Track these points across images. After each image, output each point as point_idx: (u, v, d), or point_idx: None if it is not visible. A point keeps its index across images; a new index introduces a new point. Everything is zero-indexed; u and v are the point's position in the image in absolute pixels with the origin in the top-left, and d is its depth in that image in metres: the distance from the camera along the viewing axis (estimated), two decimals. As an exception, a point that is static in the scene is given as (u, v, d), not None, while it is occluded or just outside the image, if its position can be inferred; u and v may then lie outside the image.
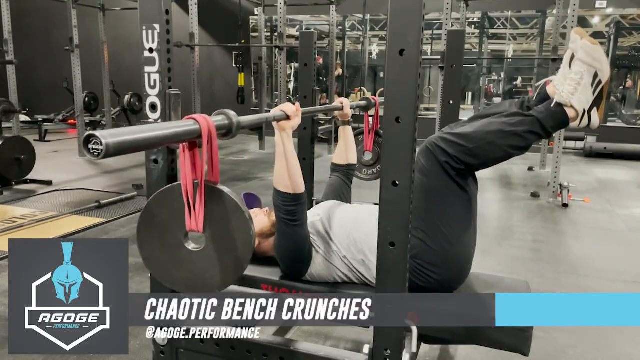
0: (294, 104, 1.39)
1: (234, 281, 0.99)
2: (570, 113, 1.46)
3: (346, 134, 1.99)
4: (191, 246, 0.98)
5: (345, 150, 1.98)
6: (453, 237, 1.46)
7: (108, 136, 0.68)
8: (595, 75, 1.46)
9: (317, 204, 1.91)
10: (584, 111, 1.46)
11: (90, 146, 0.68)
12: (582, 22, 8.65)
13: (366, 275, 1.53)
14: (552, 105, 1.47)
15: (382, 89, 1.09)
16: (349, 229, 1.58)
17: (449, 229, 1.45)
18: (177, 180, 1.20)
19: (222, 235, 0.96)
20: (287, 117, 1.33)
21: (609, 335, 2.26)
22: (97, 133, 0.67)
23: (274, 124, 1.35)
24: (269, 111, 1.38)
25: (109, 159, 0.69)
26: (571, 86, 1.46)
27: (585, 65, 1.46)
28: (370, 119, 2.10)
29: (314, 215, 1.65)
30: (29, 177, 4.93)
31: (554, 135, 1.53)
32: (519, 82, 10.51)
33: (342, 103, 1.90)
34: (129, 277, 2.92)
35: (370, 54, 9.90)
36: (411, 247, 1.42)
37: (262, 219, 1.67)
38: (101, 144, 0.67)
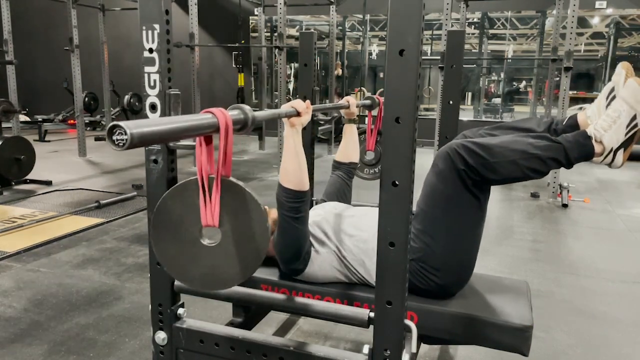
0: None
1: (252, 274, 0.98)
2: (597, 148, 1.43)
3: (351, 132, 2.00)
4: (206, 241, 0.98)
5: (349, 149, 1.99)
6: (459, 244, 1.46)
7: (133, 127, 0.68)
8: (634, 118, 1.43)
9: (316, 203, 1.91)
10: (611, 150, 1.43)
11: (114, 137, 0.68)
12: (582, 22, 8.66)
13: (365, 277, 1.54)
14: (581, 137, 1.44)
15: (382, 89, 1.09)
16: (350, 230, 1.58)
17: (456, 236, 1.45)
18: (176, 181, 1.20)
19: (238, 228, 0.95)
20: (298, 114, 1.34)
21: (609, 335, 2.26)
22: (122, 123, 0.67)
23: (285, 120, 1.36)
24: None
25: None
26: (606, 122, 1.43)
27: (626, 106, 1.43)
28: (374, 118, 2.11)
29: (316, 215, 1.65)
30: (29, 177, 4.93)
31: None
32: (522, 85, 10.52)
33: (348, 102, 1.93)
34: (129, 277, 2.94)
35: (370, 54, 9.90)
36: (416, 250, 1.44)
37: None
38: (126, 134, 0.67)
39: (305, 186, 1.41)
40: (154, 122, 0.74)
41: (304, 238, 1.50)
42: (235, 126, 0.94)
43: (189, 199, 0.97)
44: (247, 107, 0.98)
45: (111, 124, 0.68)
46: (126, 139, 0.67)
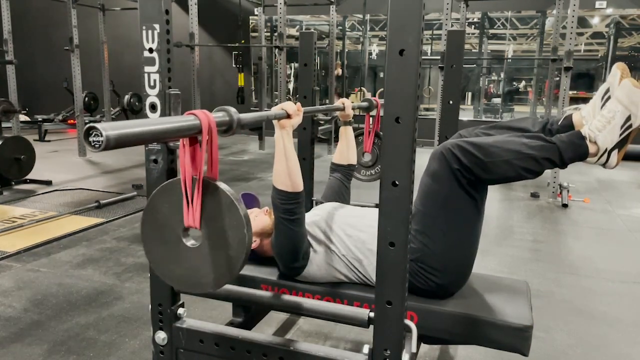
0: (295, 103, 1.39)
1: (228, 282, 0.97)
2: (592, 148, 1.43)
3: (347, 134, 1.99)
4: (189, 242, 0.97)
5: (346, 151, 1.99)
6: (457, 244, 1.46)
7: (109, 128, 0.68)
8: (628, 119, 1.42)
9: (317, 204, 1.91)
10: (606, 150, 1.43)
11: (91, 138, 0.68)
12: (582, 22, 8.66)
13: (365, 275, 1.54)
14: (576, 137, 1.44)
15: (382, 89, 1.09)
16: (348, 228, 1.58)
17: (454, 236, 1.45)
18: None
19: (217, 232, 0.94)
20: (288, 116, 1.33)
21: (609, 335, 2.26)
22: (98, 125, 0.67)
23: (275, 122, 1.35)
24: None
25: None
26: (600, 122, 1.43)
27: (621, 106, 1.43)
28: (371, 119, 2.11)
29: (314, 215, 1.65)
30: (29, 177, 4.93)
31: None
32: (522, 85, 10.53)
33: (343, 103, 1.91)
34: (129, 277, 2.94)
35: (370, 54, 9.90)
36: (414, 251, 1.44)
37: (263, 218, 1.67)
38: (101, 136, 0.67)
39: (299, 187, 1.41)
40: (131, 124, 0.73)
41: (300, 239, 1.50)
42: (219, 128, 0.93)
43: (174, 199, 0.96)
44: (232, 109, 0.98)
45: (88, 125, 0.68)
46: (102, 141, 0.67)
